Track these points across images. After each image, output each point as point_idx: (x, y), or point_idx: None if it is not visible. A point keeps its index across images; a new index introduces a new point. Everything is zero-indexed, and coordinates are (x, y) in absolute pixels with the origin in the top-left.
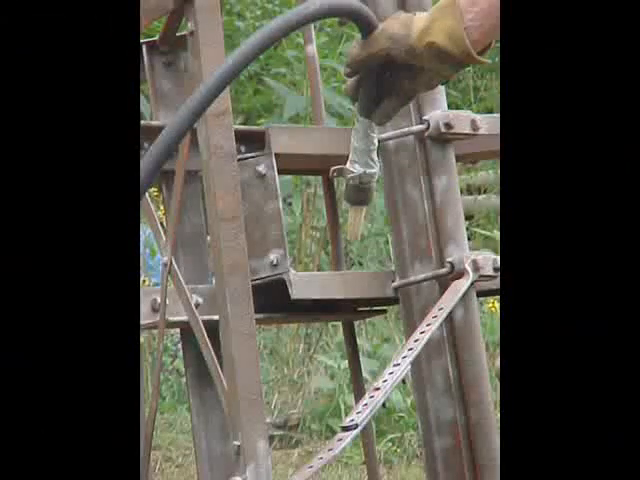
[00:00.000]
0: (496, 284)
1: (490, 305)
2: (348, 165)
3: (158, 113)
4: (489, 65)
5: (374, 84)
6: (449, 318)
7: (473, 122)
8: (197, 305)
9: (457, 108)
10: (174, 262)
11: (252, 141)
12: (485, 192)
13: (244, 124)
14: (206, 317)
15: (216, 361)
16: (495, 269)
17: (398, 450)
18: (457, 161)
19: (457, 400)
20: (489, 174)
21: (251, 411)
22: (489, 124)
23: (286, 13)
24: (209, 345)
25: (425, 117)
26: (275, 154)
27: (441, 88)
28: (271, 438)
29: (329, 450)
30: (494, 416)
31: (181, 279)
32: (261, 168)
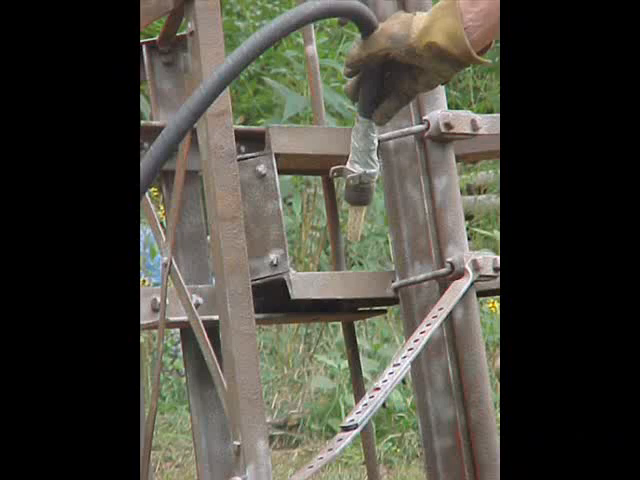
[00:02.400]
0: (496, 284)
1: (490, 305)
2: (348, 165)
3: (158, 113)
4: (489, 65)
5: (374, 84)
6: (449, 318)
7: (473, 122)
8: (197, 305)
9: (457, 108)
10: (174, 262)
11: (252, 141)
12: (485, 192)
13: (244, 124)
14: (206, 317)
15: (216, 361)
16: (495, 269)
17: (398, 450)
18: (457, 161)
19: (457, 400)
20: (489, 174)
21: (251, 411)
22: (489, 124)
23: (286, 13)
24: (209, 345)
25: (425, 117)
26: (275, 154)
27: (441, 88)
28: (271, 438)
29: (329, 450)
30: (494, 416)
31: (181, 279)
32: (261, 168)
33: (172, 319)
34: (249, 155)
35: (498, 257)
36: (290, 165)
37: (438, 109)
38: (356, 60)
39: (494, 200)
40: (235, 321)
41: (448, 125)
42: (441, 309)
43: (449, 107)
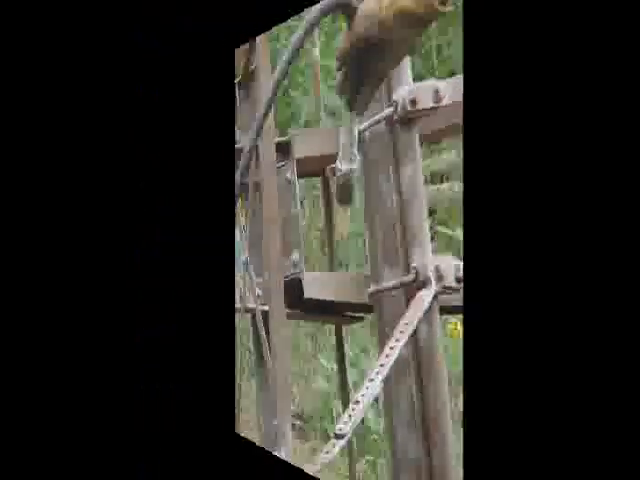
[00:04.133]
0: (459, 299)
1: (452, 327)
2: (337, 163)
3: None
4: (452, 10)
5: (357, 74)
6: (414, 336)
7: (436, 93)
8: (258, 296)
9: (421, 79)
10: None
11: (281, 150)
12: (448, 180)
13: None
14: (266, 307)
15: (267, 344)
16: (457, 279)
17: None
18: (421, 141)
19: (420, 436)
20: (453, 155)
21: (283, 394)
22: (452, 89)
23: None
24: (263, 330)
25: (394, 98)
26: (296, 160)
27: (406, 62)
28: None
29: (326, 452)
30: (457, 465)
31: (252, 275)
32: (289, 174)
33: (250, 306)
34: (281, 163)
35: (461, 264)
36: (306, 169)
37: (405, 84)
38: (342, 51)
39: (457, 189)
40: (276, 312)
41: (413, 102)
42: (406, 324)
43: (414, 81)
